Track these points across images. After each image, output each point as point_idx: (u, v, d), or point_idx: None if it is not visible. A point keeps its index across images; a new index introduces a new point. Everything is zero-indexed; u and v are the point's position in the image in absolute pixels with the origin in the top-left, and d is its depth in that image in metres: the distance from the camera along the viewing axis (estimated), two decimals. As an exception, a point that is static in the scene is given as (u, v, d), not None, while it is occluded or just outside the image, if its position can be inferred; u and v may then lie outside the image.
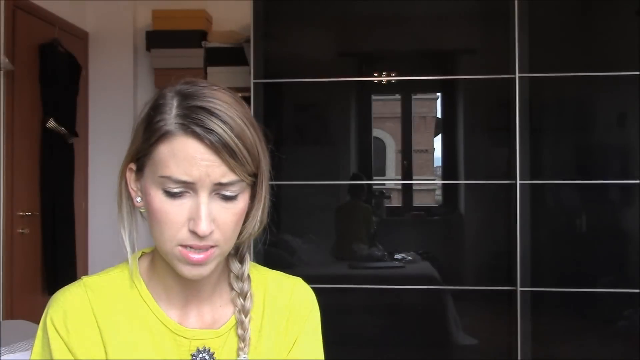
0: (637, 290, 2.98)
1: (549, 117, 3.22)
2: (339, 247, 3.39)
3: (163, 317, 0.86)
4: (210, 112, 0.77)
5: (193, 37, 3.77)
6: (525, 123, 3.05)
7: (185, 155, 0.76)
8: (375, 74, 3.49)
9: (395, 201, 3.50)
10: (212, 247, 0.79)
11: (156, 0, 3.85)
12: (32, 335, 1.91)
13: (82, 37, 3.86)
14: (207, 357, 0.86)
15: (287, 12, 3.37)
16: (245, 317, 0.87)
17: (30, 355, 0.86)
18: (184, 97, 0.81)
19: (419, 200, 3.53)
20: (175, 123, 0.77)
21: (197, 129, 0.76)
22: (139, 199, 0.83)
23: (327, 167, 3.31)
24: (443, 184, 3.53)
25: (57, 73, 3.44)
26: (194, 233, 0.77)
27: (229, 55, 3.74)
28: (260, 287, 0.92)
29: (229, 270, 0.90)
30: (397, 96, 3.53)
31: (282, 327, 0.90)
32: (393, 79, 3.49)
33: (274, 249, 3.13)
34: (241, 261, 0.90)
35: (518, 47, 3.02)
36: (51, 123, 3.36)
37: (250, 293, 0.89)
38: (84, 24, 3.88)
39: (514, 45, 3.02)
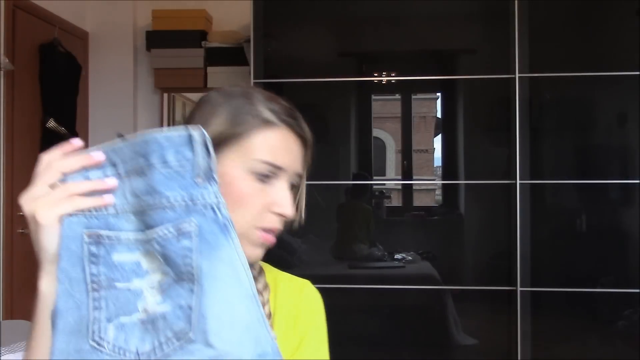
0: (637, 290, 2.98)
1: (549, 117, 3.22)
2: (339, 247, 3.39)
3: None
4: (297, 112, 0.87)
5: (193, 37, 3.77)
6: (525, 123, 3.05)
7: (283, 144, 0.83)
8: (375, 74, 3.49)
9: (395, 201, 3.50)
10: (274, 233, 0.85)
11: (156, 0, 3.86)
12: (32, 335, 1.90)
13: (82, 37, 3.86)
14: None
15: (287, 12, 3.37)
16: (264, 296, 0.90)
17: None
18: (267, 96, 0.86)
19: (419, 200, 3.53)
20: (273, 115, 0.83)
21: (294, 124, 0.85)
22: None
23: (327, 167, 3.31)
24: (443, 184, 3.53)
25: (57, 73, 3.44)
26: (278, 215, 0.83)
27: (229, 55, 3.74)
28: (271, 286, 0.94)
29: None
30: (397, 96, 3.53)
31: (291, 325, 0.92)
32: (393, 79, 3.49)
33: (274, 249, 3.13)
34: None
35: (518, 47, 3.02)
36: (51, 123, 3.36)
37: (266, 282, 0.92)
38: (84, 24, 3.88)
39: (514, 45, 3.02)
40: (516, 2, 3.02)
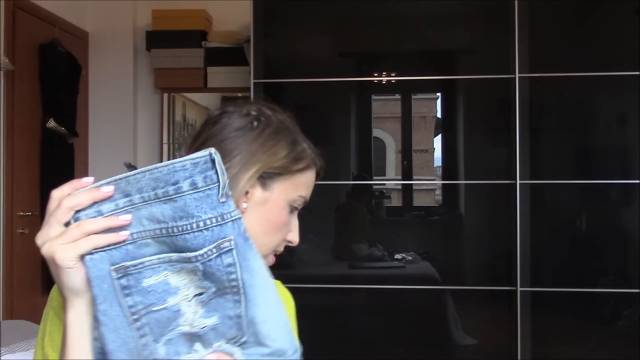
0: (637, 290, 2.98)
1: (549, 117, 3.22)
2: (338, 247, 3.39)
3: None
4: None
5: (193, 37, 3.77)
6: (525, 123, 3.05)
7: (312, 182, 0.93)
8: (375, 74, 3.49)
9: (395, 201, 3.50)
10: None
11: (156, 0, 3.86)
12: (32, 336, 1.91)
13: (82, 37, 3.86)
14: None
15: (287, 12, 3.37)
16: None
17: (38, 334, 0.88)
18: (310, 143, 0.94)
19: (419, 200, 3.53)
20: (313, 158, 0.92)
21: (319, 167, 0.93)
22: (245, 204, 0.86)
23: (327, 167, 3.31)
24: (443, 184, 3.53)
25: (57, 73, 3.44)
26: (286, 242, 0.92)
27: (229, 55, 3.74)
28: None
29: None
30: (397, 96, 3.53)
31: None
32: (393, 79, 3.49)
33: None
34: None
35: (518, 47, 3.02)
36: (51, 123, 3.36)
37: None
38: (84, 24, 3.88)
39: (514, 45, 3.02)
40: (516, 2, 3.02)
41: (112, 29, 3.92)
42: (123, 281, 0.69)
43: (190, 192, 0.68)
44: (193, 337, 0.71)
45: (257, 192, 0.86)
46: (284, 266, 3.08)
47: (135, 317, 0.70)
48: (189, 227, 0.69)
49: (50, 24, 3.45)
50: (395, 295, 3.23)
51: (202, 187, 0.69)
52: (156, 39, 3.82)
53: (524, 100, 3.04)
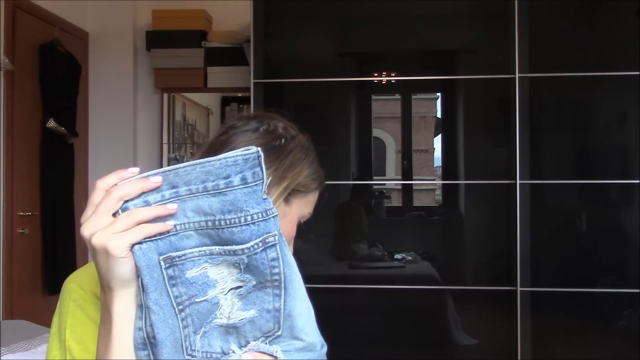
0: (637, 290, 2.98)
1: (549, 117, 3.22)
2: (339, 247, 3.39)
3: None
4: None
5: (193, 37, 3.77)
6: (525, 123, 3.05)
7: (315, 202, 0.97)
8: (375, 74, 3.49)
9: (395, 201, 3.50)
10: None
11: (156, 0, 3.86)
12: (32, 335, 1.91)
13: (82, 37, 3.86)
14: None
15: (287, 12, 3.37)
16: None
17: (51, 327, 0.89)
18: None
19: (419, 200, 3.53)
20: (320, 179, 0.96)
21: (324, 185, 0.97)
22: None
23: (327, 167, 3.31)
24: (443, 184, 3.53)
25: (57, 73, 3.44)
26: None
27: (229, 55, 3.74)
28: None
29: None
30: (397, 96, 3.53)
31: None
32: (393, 79, 3.49)
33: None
34: None
35: (518, 47, 3.02)
36: (51, 123, 3.36)
37: None
38: (84, 24, 3.88)
39: (514, 45, 3.02)
40: (516, 2, 3.02)
41: (112, 29, 3.92)
42: (170, 271, 0.71)
43: (241, 186, 0.70)
44: (229, 330, 0.73)
45: (281, 206, 0.89)
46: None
47: (180, 307, 0.72)
48: (237, 220, 0.71)
49: (50, 24, 3.45)
50: (395, 295, 3.24)
51: (251, 182, 0.71)
52: (156, 39, 3.82)
53: (524, 100, 3.04)
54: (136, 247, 0.70)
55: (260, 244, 0.71)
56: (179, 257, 0.72)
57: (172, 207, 0.71)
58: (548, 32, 3.20)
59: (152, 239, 0.70)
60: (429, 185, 3.59)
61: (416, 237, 3.46)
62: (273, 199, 0.86)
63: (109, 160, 3.83)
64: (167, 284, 0.71)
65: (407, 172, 3.47)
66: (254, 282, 0.73)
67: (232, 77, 3.73)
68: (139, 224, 0.69)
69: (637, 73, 2.97)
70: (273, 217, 0.72)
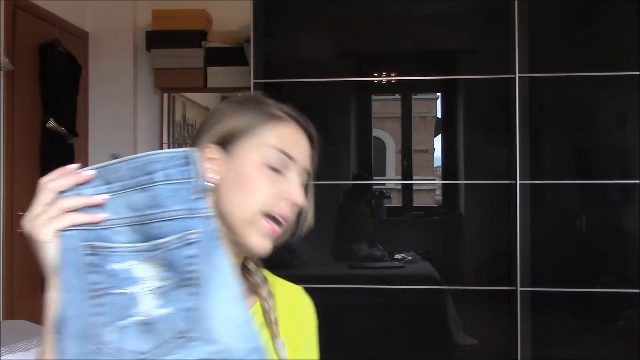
0: (637, 290, 2.98)
1: (549, 117, 3.22)
2: (339, 247, 3.39)
3: None
4: (304, 113, 0.93)
5: (193, 37, 3.77)
6: (525, 123, 3.05)
7: (293, 137, 0.90)
8: (375, 74, 3.49)
9: (395, 201, 3.50)
10: (281, 225, 0.88)
11: (156, 0, 3.86)
12: (32, 335, 1.91)
13: (82, 37, 3.86)
14: None
15: (287, 12, 3.37)
16: (269, 303, 0.93)
17: None
18: (276, 100, 0.94)
19: (419, 200, 3.53)
20: (284, 112, 0.91)
21: (300, 120, 0.92)
22: (211, 174, 0.88)
23: (327, 167, 3.31)
24: (443, 184, 3.53)
25: (57, 73, 3.44)
26: (285, 200, 0.87)
27: (229, 55, 3.74)
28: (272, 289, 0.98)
29: (244, 266, 0.96)
30: (397, 96, 3.53)
31: (287, 328, 0.94)
32: (393, 79, 3.49)
33: (274, 248, 3.12)
34: (255, 261, 0.97)
35: (518, 47, 3.02)
36: (51, 123, 3.36)
37: (270, 289, 0.95)
38: (84, 24, 3.88)
39: (514, 45, 3.02)
40: (516, 2, 3.02)
41: (112, 29, 3.92)
42: (89, 259, 0.72)
43: (163, 182, 0.71)
44: (146, 327, 0.72)
45: (222, 159, 0.89)
46: (284, 266, 3.08)
47: (95, 293, 0.72)
48: (158, 216, 0.71)
49: (50, 24, 3.45)
50: (395, 295, 3.23)
51: (175, 179, 0.71)
52: (156, 39, 3.82)
53: (524, 100, 3.04)
54: (63, 233, 0.72)
55: (178, 240, 0.71)
56: (103, 248, 0.72)
57: (99, 197, 0.73)
58: (548, 32, 3.20)
59: (80, 227, 0.72)
60: (429, 185, 3.59)
61: (416, 237, 3.46)
62: (202, 144, 0.88)
63: (109, 160, 3.83)
64: (84, 269, 0.72)
65: (407, 172, 3.47)
66: (174, 281, 0.72)
67: (232, 77, 3.73)
68: (65, 211, 0.72)
69: (637, 73, 2.96)
70: (201, 217, 0.71)
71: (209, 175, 0.88)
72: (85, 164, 3.91)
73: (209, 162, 0.89)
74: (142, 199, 0.72)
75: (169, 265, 0.72)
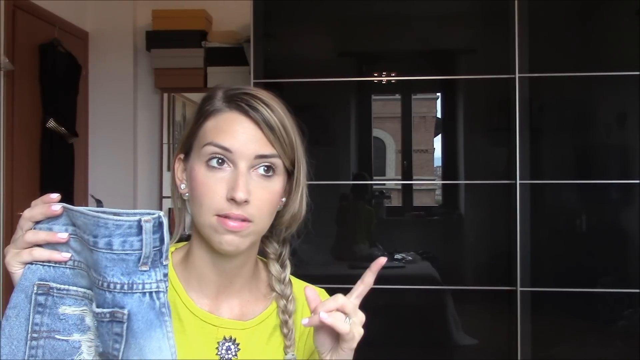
0: (637, 290, 2.98)
1: (549, 117, 3.22)
2: (339, 247, 3.39)
3: (192, 305, 0.90)
4: (254, 96, 0.86)
5: (193, 37, 3.77)
6: (525, 123, 3.05)
7: (228, 127, 0.84)
8: (375, 74, 3.49)
9: (395, 201, 3.50)
10: (247, 221, 0.83)
11: (156, 0, 3.85)
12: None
13: (82, 37, 3.86)
14: (232, 346, 0.90)
15: (287, 12, 3.37)
16: (289, 317, 0.93)
17: None
18: (230, 88, 0.89)
19: (419, 200, 3.53)
20: (222, 103, 0.87)
21: (242, 104, 0.85)
22: (183, 186, 0.89)
23: (327, 167, 3.31)
24: (443, 184, 3.53)
25: (57, 73, 3.44)
26: (231, 200, 0.82)
27: (229, 55, 3.74)
28: (298, 295, 0.99)
29: (269, 272, 0.96)
30: (397, 96, 3.53)
31: (306, 333, 0.97)
32: (393, 79, 3.48)
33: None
34: (282, 265, 0.97)
35: (518, 47, 3.02)
36: (51, 123, 3.35)
37: (293, 296, 0.96)
38: (84, 24, 3.88)
39: (514, 45, 3.02)
40: (516, 2, 3.02)
41: (112, 29, 3.91)
42: (41, 298, 0.70)
43: (104, 250, 0.67)
44: None
45: (182, 174, 0.91)
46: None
47: (34, 335, 0.69)
48: (98, 282, 0.68)
49: (50, 24, 3.45)
50: (395, 295, 3.23)
51: (117, 250, 0.67)
52: (156, 39, 3.82)
53: (524, 100, 3.04)
54: (28, 266, 0.72)
55: (109, 315, 0.67)
56: (59, 289, 0.70)
57: (62, 235, 0.71)
58: (548, 32, 3.20)
59: (44, 264, 0.71)
60: (429, 185, 3.59)
61: (416, 237, 3.46)
62: (177, 166, 0.90)
63: (109, 160, 3.83)
64: (32, 308, 0.69)
65: (407, 172, 3.47)
66: (101, 351, 0.69)
67: (232, 77, 3.73)
68: (30, 245, 0.74)
69: (637, 73, 2.97)
70: (143, 292, 0.67)
71: (181, 186, 0.90)
72: (85, 164, 3.89)
73: (181, 172, 0.91)
74: (90, 257, 0.69)
75: (100, 334, 0.69)
